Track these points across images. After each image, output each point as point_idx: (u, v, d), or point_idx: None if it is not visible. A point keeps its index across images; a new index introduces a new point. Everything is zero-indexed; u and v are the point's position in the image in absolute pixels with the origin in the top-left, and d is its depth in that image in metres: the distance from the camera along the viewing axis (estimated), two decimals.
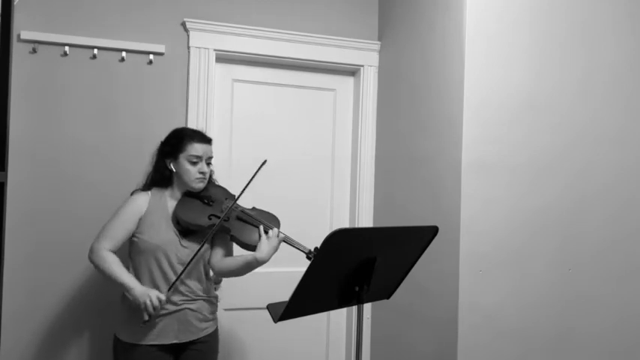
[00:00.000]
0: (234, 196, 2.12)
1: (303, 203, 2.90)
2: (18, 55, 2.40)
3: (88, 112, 2.50)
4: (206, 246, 2.08)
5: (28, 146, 2.42)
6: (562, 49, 2.27)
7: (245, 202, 2.15)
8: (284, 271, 2.77)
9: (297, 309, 1.55)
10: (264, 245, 1.98)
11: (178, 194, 2.09)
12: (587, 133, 2.31)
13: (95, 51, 2.48)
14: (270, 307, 1.60)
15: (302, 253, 1.96)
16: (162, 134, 2.55)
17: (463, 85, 2.15)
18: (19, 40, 2.39)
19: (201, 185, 2.07)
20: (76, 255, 2.47)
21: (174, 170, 2.07)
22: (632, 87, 2.38)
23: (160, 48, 2.56)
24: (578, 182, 2.30)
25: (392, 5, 2.80)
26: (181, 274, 1.96)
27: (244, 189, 2.03)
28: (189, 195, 2.09)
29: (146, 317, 1.89)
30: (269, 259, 1.99)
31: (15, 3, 2.33)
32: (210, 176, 2.15)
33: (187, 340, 2.04)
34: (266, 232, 2.01)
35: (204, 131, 2.15)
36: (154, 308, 1.88)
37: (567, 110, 2.28)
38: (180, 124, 2.59)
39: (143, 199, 2.06)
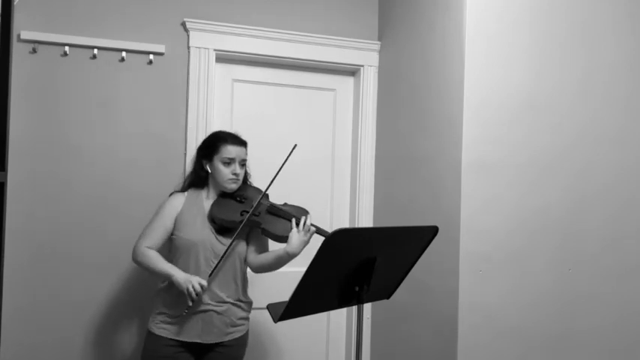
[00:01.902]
0: (268, 194, 2.20)
1: (303, 203, 2.89)
2: (18, 55, 2.39)
3: (88, 112, 2.50)
4: (242, 243, 2.15)
5: (28, 146, 2.42)
6: (562, 49, 2.27)
7: (274, 198, 2.22)
8: (284, 271, 2.76)
9: (297, 309, 1.55)
10: (295, 238, 2.02)
11: (214, 194, 2.18)
12: (587, 133, 2.31)
13: (95, 51, 2.48)
14: (270, 307, 1.60)
15: None
16: (163, 134, 2.58)
17: (463, 85, 2.15)
18: (19, 40, 2.39)
19: (233, 186, 2.14)
20: (76, 255, 2.47)
21: (209, 171, 2.16)
22: (632, 87, 2.38)
23: (160, 48, 2.56)
24: (578, 182, 2.30)
25: (392, 5, 2.80)
26: (219, 261, 2.03)
27: (273, 180, 2.12)
28: (224, 195, 2.17)
29: (190, 302, 1.96)
30: (300, 252, 2.03)
31: (15, 3, 2.33)
32: (246, 178, 2.24)
33: (211, 341, 2.08)
34: (297, 225, 2.06)
35: (238, 134, 2.21)
36: (197, 293, 1.95)
37: (567, 110, 2.28)
38: (180, 124, 2.60)
39: (179, 200, 2.15)
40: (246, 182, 2.24)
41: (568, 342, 2.28)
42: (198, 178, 2.19)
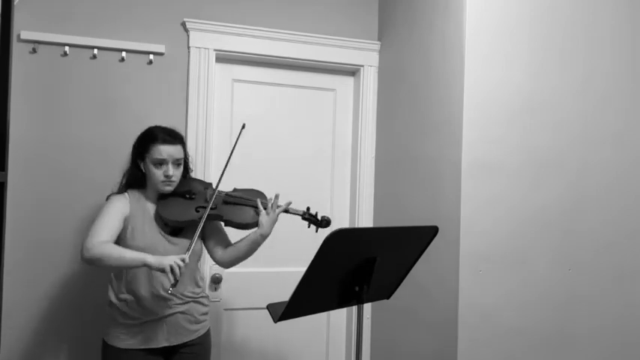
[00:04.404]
0: (211, 184, 2.13)
1: (303, 203, 2.90)
2: (18, 55, 2.40)
3: (88, 112, 2.50)
4: (199, 240, 2.07)
5: (28, 146, 2.42)
6: (562, 49, 2.27)
7: (226, 187, 2.18)
8: (284, 271, 2.77)
9: (297, 309, 1.55)
10: (265, 220, 2.02)
11: (154, 195, 2.05)
12: (587, 133, 2.31)
13: (95, 51, 2.49)
14: (270, 307, 1.60)
15: (298, 216, 2.12)
16: None
17: (463, 85, 2.15)
18: (19, 40, 2.39)
19: (168, 189, 2.00)
20: (76, 255, 2.47)
21: (144, 171, 2.02)
22: (632, 87, 2.38)
23: (160, 48, 2.56)
24: (578, 182, 2.30)
25: (392, 5, 2.80)
26: (192, 241, 1.93)
27: (222, 173, 2.07)
28: (169, 194, 2.04)
29: (172, 280, 1.78)
30: (271, 231, 2.05)
31: (15, 3, 2.33)
32: (187, 173, 2.13)
33: (178, 342, 2.03)
34: (264, 208, 2.06)
35: (174, 129, 2.05)
36: (179, 269, 1.78)
37: (567, 110, 2.28)
38: (180, 124, 2.60)
39: (123, 202, 2.00)
40: (187, 176, 2.12)
41: (568, 342, 2.28)
42: (135, 179, 2.04)
